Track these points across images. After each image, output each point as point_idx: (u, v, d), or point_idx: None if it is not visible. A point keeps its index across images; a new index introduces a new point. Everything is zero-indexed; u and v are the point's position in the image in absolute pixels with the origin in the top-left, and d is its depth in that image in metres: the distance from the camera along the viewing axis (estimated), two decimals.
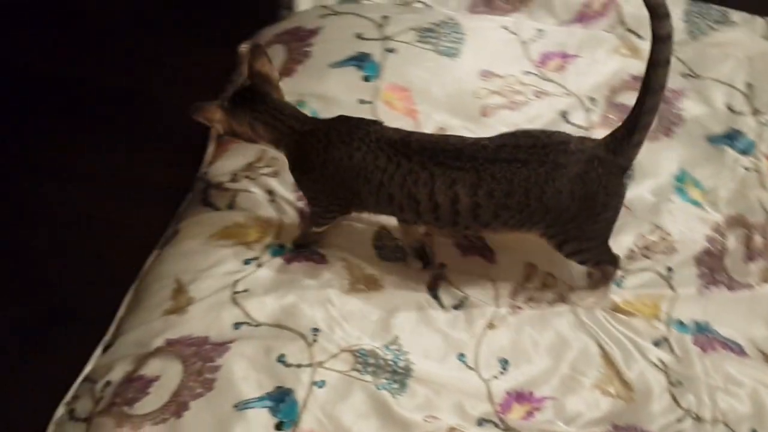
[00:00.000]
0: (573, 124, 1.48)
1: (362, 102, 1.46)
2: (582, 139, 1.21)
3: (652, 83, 1.15)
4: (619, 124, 1.20)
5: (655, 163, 1.46)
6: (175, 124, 1.47)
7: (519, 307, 1.29)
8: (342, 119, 1.25)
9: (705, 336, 1.28)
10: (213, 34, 2.11)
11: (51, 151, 1.92)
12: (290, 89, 1.36)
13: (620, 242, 1.34)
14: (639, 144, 1.19)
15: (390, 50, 1.53)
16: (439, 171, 1.15)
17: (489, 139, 1.18)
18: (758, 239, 1.40)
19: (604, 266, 1.29)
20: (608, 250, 1.27)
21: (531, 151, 1.15)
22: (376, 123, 1.23)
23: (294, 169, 1.28)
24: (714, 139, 1.52)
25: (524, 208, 1.16)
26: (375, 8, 1.65)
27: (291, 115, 1.25)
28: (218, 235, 1.35)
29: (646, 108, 1.16)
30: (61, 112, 2.00)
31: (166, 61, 2.09)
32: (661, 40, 1.12)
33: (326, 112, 1.36)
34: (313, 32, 1.58)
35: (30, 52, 2.14)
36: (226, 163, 1.47)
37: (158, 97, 2.01)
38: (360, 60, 1.52)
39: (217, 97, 1.54)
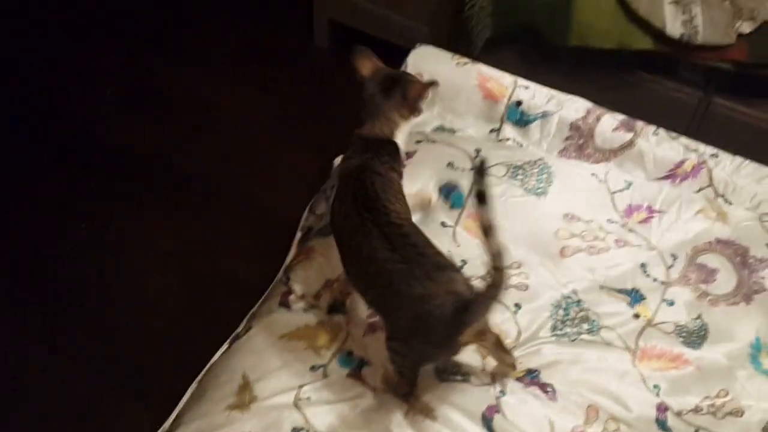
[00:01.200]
0: (651, 277, 1.49)
1: (444, 225, 1.52)
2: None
3: None
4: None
5: (733, 328, 1.44)
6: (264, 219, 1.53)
7: None
8: None
9: None
10: (308, 140, 2.25)
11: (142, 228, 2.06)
12: None
13: (686, 401, 1.32)
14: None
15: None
16: None
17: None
18: None
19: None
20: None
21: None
22: None
23: None
24: None
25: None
26: (469, 140, 1.72)
27: None
28: (289, 336, 1.39)
29: None
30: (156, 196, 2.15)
31: (263, 159, 2.23)
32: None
33: None
34: (407, 155, 1.65)
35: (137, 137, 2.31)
36: (308, 275, 1.51)
37: (252, 193, 2.14)
38: (449, 189, 1.58)
39: (307, 200, 1.66)
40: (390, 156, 1.37)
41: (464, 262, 1.47)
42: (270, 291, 1.55)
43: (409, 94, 1.38)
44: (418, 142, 1.69)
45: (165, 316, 1.88)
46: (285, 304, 1.46)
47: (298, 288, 1.47)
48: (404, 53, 1.84)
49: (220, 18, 2.70)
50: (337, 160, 1.87)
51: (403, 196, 1.36)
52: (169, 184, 2.17)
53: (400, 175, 1.39)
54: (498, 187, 1.59)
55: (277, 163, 2.25)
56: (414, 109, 1.40)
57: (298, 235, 1.73)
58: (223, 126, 2.35)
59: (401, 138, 1.41)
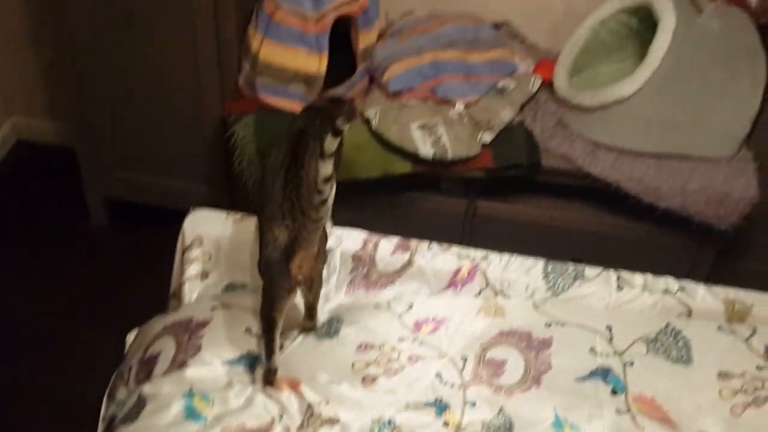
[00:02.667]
0: (448, 384, 1.58)
1: None
2: None
3: None
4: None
5: (533, 413, 1.53)
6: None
7: None
8: None
9: None
10: (101, 320, 2.22)
11: None
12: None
13: None
14: None
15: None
16: None
17: None
18: None
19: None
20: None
21: None
22: None
23: None
24: (584, 379, 1.62)
25: None
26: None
27: None
28: None
29: None
30: None
31: (56, 347, 2.16)
32: None
33: None
34: (203, 324, 1.66)
35: None
36: None
37: (48, 384, 2.06)
38: (251, 359, 1.59)
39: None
40: None
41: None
42: None
43: None
44: (213, 309, 1.70)
45: None
46: None
47: None
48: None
49: None
50: (130, 337, 1.84)
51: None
52: None
53: None
54: (292, 340, 1.64)
55: (74, 349, 2.18)
56: None
57: (101, 427, 1.66)
58: (12, 325, 2.25)
59: None
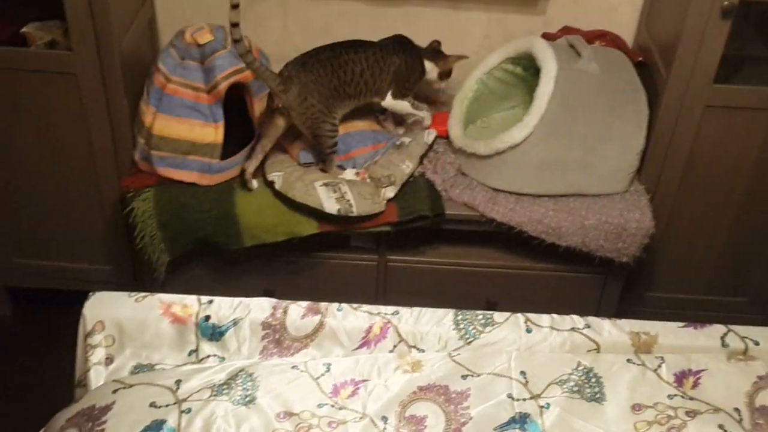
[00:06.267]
0: None
1: None
2: None
3: None
4: None
5: None
6: None
7: None
8: None
9: None
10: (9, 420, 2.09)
11: None
12: None
13: None
14: None
15: (187, 411, 1.57)
16: None
17: None
18: None
19: None
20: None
21: None
22: None
23: None
24: (503, 427, 1.61)
25: None
26: (170, 373, 1.71)
27: None
28: None
29: None
30: None
31: None
32: None
33: None
34: (106, 409, 1.59)
35: None
36: None
37: None
38: (156, 428, 1.54)
39: None
40: None
41: None
42: None
43: None
44: (115, 391, 1.64)
45: None
46: None
47: None
48: None
49: None
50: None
51: None
52: None
53: None
54: (206, 409, 1.58)
55: None
56: None
57: None
58: None
59: None
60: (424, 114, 2.38)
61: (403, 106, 2.32)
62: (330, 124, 2.17)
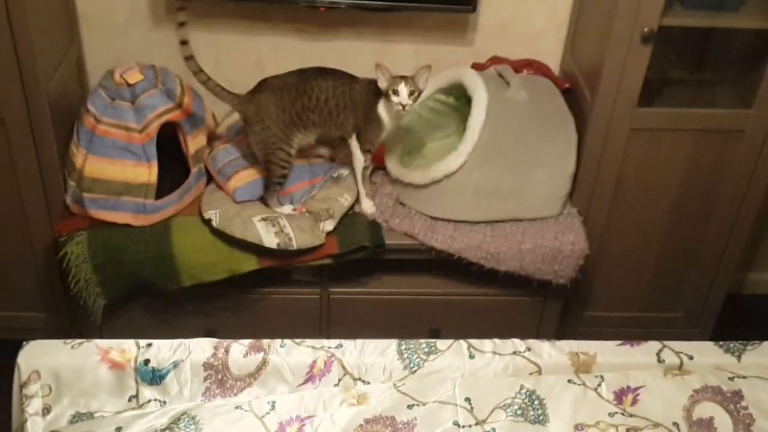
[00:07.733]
0: None
1: None
2: None
3: None
4: None
5: None
6: None
7: None
8: None
9: None
10: None
11: None
12: None
13: None
14: None
15: None
16: None
17: None
18: None
19: None
20: None
21: None
22: None
23: None
24: None
25: None
26: (110, 421, 1.67)
27: None
28: None
29: None
30: None
31: None
32: None
33: None
34: None
35: None
36: None
37: None
38: None
39: None
40: None
41: None
42: None
43: None
44: None
45: None
46: None
47: None
48: None
49: None
50: None
51: None
52: None
53: None
54: None
55: None
56: None
57: None
58: None
59: None
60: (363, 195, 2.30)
61: (359, 162, 2.24)
62: (284, 152, 2.15)
